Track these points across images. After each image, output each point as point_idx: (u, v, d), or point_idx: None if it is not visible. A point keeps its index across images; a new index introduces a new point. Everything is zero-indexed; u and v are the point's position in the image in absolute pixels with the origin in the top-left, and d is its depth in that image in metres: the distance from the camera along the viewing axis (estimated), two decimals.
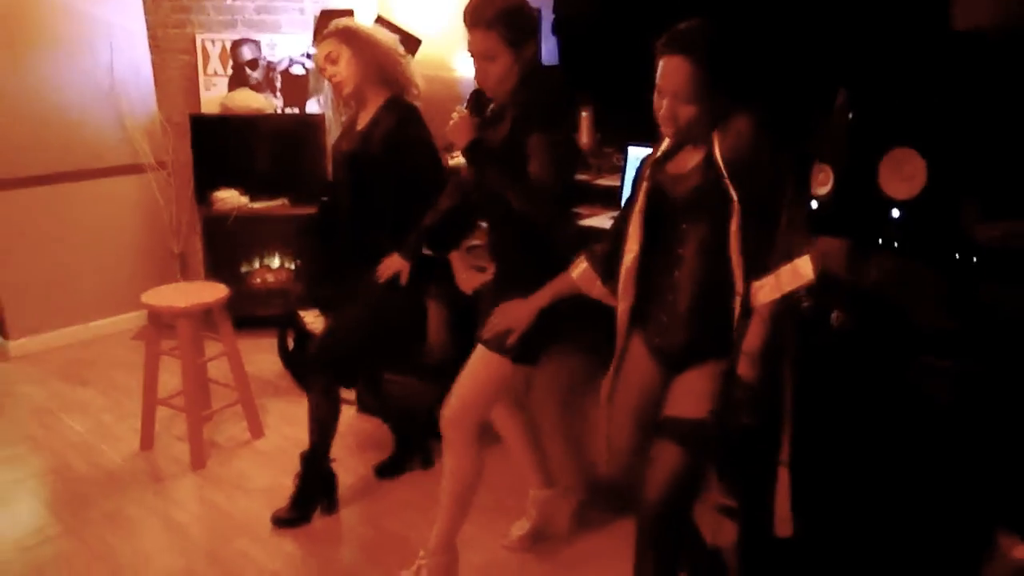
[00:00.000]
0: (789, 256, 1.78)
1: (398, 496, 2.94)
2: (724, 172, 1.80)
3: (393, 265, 2.67)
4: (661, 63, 1.81)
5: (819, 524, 2.13)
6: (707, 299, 1.89)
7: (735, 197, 1.78)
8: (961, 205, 2.17)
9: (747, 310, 1.83)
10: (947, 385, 1.96)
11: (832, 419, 2.09)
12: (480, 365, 2.26)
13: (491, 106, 2.22)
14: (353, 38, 2.66)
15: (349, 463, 3.12)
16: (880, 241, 2.27)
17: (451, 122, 2.10)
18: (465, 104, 2.16)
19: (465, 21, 2.09)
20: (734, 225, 1.79)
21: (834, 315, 2.10)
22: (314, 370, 2.73)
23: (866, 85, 2.39)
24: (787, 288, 1.77)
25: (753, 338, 1.81)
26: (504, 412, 2.53)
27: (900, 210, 2.24)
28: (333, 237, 2.94)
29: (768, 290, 1.79)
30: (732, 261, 1.82)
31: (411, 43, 3.83)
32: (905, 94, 2.31)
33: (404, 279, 2.66)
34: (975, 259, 2.10)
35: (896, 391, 2.03)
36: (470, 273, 2.70)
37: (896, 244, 2.26)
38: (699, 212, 1.87)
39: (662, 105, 1.82)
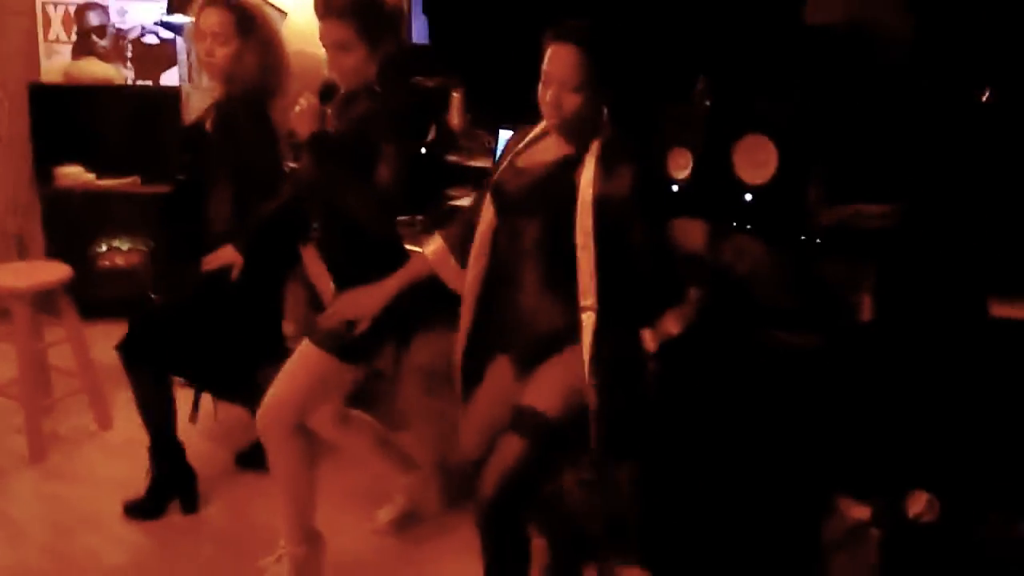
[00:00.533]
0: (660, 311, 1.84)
1: (263, 485, 2.82)
2: (590, 199, 1.79)
3: (223, 256, 2.50)
4: (549, 51, 1.80)
5: (671, 490, 2.22)
6: (550, 298, 1.87)
7: (591, 227, 1.78)
8: (807, 190, 2.31)
9: (605, 332, 1.82)
10: (788, 357, 2.08)
11: (687, 391, 2.17)
12: (303, 361, 2.14)
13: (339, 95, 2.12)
14: (252, 31, 2.50)
15: (209, 451, 2.98)
16: (735, 223, 2.39)
17: (297, 109, 2.01)
18: (318, 92, 2.05)
19: (316, 10, 2.01)
20: (585, 242, 1.79)
21: (692, 291, 2.19)
22: (127, 354, 2.54)
23: (723, 74, 2.51)
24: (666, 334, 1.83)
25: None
26: (331, 423, 2.37)
27: (753, 194, 2.36)
28: (189, 219, 2.79)
29: (649, 339, 1.84)
30: (581, 276, 1.81)
31: (276, 15, 3.69)
32: (759, 83, 2.43)
33: (235, 274, 2.49)
34: (818, 240, 2.25)
35: (744, 364, 2.14)
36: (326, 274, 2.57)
37: (749, 226, 2.38)
38: (534, 207, 1.86)
39: (547, 93, 1.81)
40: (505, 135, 3.01)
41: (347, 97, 2.11)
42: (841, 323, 2.09)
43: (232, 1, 2.52)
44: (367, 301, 2.05)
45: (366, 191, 2.02)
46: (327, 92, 2.05)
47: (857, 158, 2.41)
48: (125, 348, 2.53)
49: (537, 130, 1.96)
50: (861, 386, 2.01)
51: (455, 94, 3.22)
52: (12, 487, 2.77)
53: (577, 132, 1.86)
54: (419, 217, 3.14)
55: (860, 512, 1.99)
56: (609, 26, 1.85)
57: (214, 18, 2.47)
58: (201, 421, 3.16)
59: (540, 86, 1.83)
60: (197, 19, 2.53)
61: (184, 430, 2.70)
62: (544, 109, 1.83)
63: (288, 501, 2.22)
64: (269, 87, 2.55)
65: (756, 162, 2.35)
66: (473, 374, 2.04)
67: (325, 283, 2.48)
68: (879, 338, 2.04)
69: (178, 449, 2.65)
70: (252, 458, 2.95)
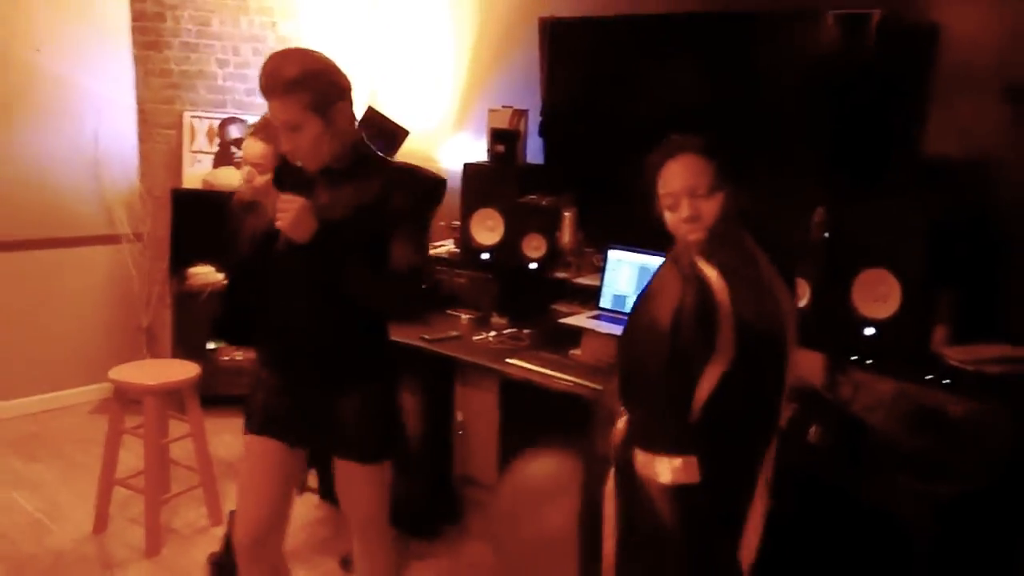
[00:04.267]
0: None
1: None
2: None
3: None
4: (664, 172, 1.72)
5: None
6: None
7: None
8: (933, 327, 2.24)
9: None
10: (912, 504, 1.96)
11: (808, 534, 2.08)
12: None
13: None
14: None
15: (311, 556, 3.03)
16: (855, 357, 2.33)
17: (282, 212, 1.81)
18: (273, 180, 1.91)
19: (261, 89, 1.84)
20: None
21: (812, 429, 2.13)
22: None
23: (842, 205, 2.50)
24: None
25: None
26: None
27: (874, 328, 2.31)
28: None
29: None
30: None
31: (400, 134, 3.93)
32: (880, 216, 2.41)
33: None
34: (946, 380, 2.16)
35: (863, 508, 2.05)
36: None
37: (869, 361, 2.32)
38: None
39: (681, 210, 1.68)
40: (614, 255, 3.07)
41: (329, 177, 1.93)
42: (974, 472, 1.99)
43: None
44: None
45: (387, 276, 1.90)
46: (282, 177, 1.91)
47: (984, 296, 2.34)
48: None
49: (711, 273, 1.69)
50: (994, 547, 1.89)
51: (567, 213, 3.31)
52: None
53: (726, 249, 1.67)
54: (526, 331, 3.21)
55: None
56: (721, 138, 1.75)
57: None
58: (308, 525, 3.23)
59: (666, 214, 1.72)
60: None
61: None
62: (681, 231, 1.70)
63: None
64: None
65: (877, 296, 2.31)
66: None
67: None
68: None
69: None
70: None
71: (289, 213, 1.81)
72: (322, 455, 3.02)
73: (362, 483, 2.09)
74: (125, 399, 3.13)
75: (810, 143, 2.81)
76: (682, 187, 1.68)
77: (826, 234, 2.46)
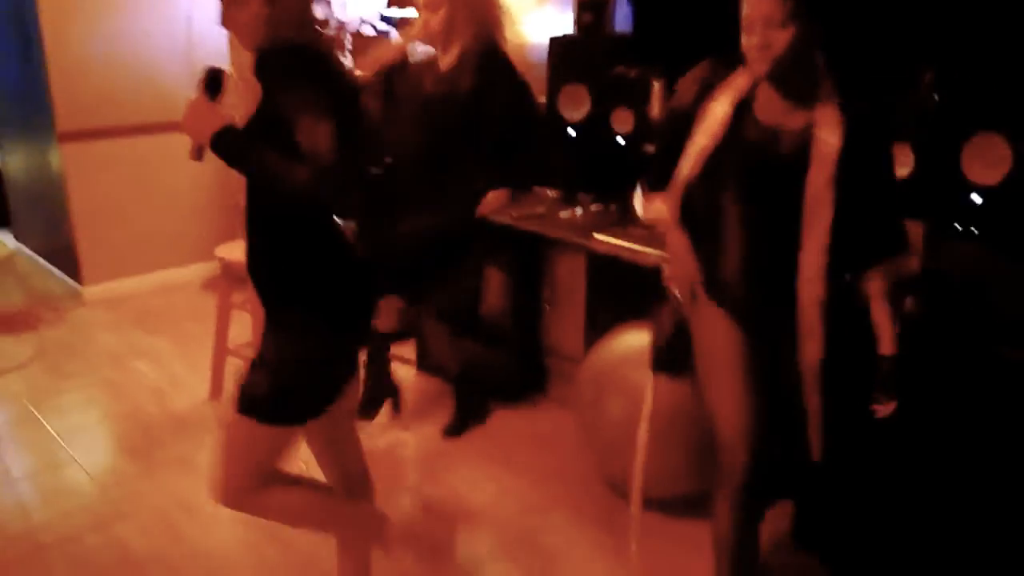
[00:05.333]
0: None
1: (458, 453, 3.00)
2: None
3: (500, 197, 3.04)
4: None
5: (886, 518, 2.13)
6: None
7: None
8: None
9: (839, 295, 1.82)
10: (1018, 375, 1.93)
11: (905, 409, 2.07)
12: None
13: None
14: None
15: (411, 423, 3.21)
16: (959, 226, 2.24)
17: (185, 111, 1.62)
18: (200, 85, 1.66)
19: None
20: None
21: (908, 300, 2.08)
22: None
23: (954, 66, 2.33)
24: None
25: (885, 318, 1.85)
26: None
27: (982, 196, 2.20)
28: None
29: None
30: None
31: None
32: (993, 78, 2.24)
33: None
34: None
35: (967, 381, 2.01)
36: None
37: (976, 230, 2.22)
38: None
39: (752, 37, 1.70)
40: None
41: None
42: None
43: None
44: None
45: (300, 165, 1.55)
46: (213, 81, 1.68)
47: None
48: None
49: (742, 83, 1.82)
50: None
51: (656, 84, 3.20)
52: None
53: (794, 81, 1.74)
54: (613, 207, 3.19)
55: None
56: None
57: None
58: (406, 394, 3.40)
59: (743, 36, 1.73)
60: None
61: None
62: (751, 56, 1.72)
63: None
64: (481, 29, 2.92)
65: (987, 162, 2.18)
66: None
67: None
68: None
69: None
70: (454, 429, 3.14)
71: (185, 112, 1.63)
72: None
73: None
74: (232, 276, 3.30)
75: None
76: (758, 14, 1.70)
77: (936, 96, 2.31)
